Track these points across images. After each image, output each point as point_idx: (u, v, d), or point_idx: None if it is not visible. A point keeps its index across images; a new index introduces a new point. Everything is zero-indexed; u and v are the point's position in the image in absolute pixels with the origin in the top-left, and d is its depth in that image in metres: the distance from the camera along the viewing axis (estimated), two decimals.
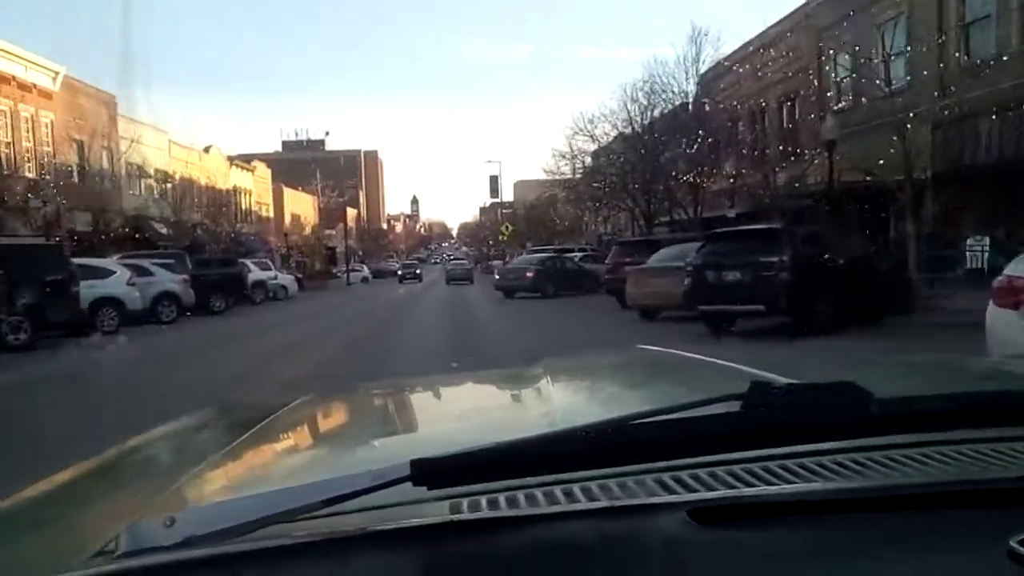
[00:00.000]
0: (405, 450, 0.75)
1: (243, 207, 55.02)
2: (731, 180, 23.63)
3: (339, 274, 54.31)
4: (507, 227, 55.69)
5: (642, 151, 27.63)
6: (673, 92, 28.56)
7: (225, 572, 0.64)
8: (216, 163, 48.26)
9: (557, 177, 39.62)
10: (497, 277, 29.61)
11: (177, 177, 42.52)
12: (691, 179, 26.67)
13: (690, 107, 27.47)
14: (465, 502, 0.76)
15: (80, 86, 34.13)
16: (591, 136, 32.97)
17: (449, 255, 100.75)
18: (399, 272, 59.72)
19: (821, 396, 0.79)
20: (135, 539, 0.68)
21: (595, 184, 32.66)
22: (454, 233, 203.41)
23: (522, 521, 0.72)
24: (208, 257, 27.17)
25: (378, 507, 0.73)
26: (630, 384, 1.79)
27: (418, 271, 59.42)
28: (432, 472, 0.68)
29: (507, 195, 74.97)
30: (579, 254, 32.63)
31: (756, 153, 23.64)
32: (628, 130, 31.21)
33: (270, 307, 27.30)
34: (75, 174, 32.79)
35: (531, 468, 0.72)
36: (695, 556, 0.64)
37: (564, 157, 35.46)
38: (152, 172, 40.12)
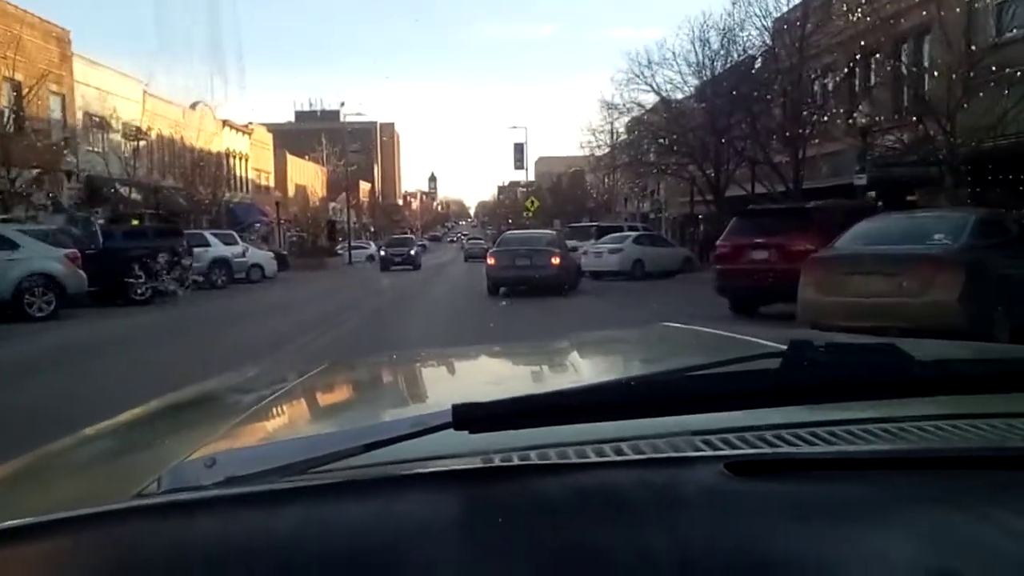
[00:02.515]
0: (442, 402, 0.71)
1: (238, 173, 48.78)
2: (861, 135, 16.63)
3: (341, 251, 47.64)
4: (532, 202, 48.88)
5: (733, 92, 20.63)
6: (763, 19, 21.61)
7: (265, 510, 0.64)
8: (204, 123, 41.47)
9: (599, 134, 32.55)
10: (491, 262, 18.03)
11: (153, 135, 36.11)
12: (792, 135, 19.78)
13: (793, 41, 20.38)
14: (502, 454, 0.76)
15: (15, 11, 27.43)
16: (650, 86, 25.94)
17: (466, 234, 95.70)
18: (381, 254, 39.27)
19: (862, 354, 0.79)
20: (177, 478, 0.69)
21: (661, 140, 25.62)
22: (471, 212, 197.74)
23: (562, 468, 0.73)
24: (138, 226, 20.48)
25: (420, 455, 0.73)
26: (660, 354, 1.74)
27: (413, 252, 38.15)
28: (474, 417, 0.68)
29: (529, 173, 68.29)
30: (630, 234, 25.88)
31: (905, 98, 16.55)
32: (695, 78, 24.39)
33: (227, 295, 20.60)
34: (10, 122, 26.14)
35: (573, 416, 0.72)
36: (730, 504, 0.64)
37: (615, 109, 28.34)
38: (119, 126, 33.29)
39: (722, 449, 0.76)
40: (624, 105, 27.55)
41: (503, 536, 0.61)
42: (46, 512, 0.65)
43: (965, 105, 14.03)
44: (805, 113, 19.75)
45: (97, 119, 32.23)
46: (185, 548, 0.61)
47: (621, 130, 32.84)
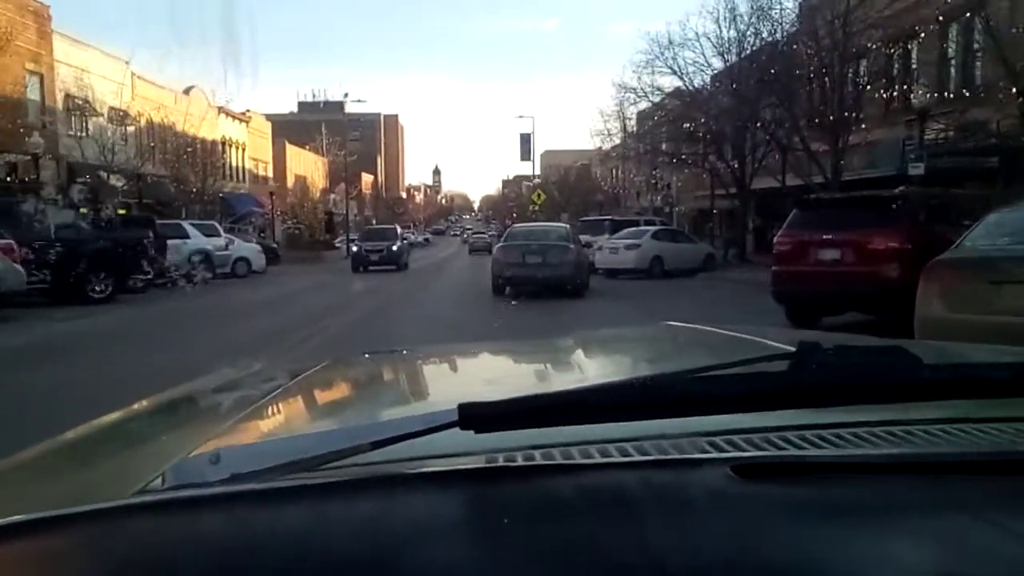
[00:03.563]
0: (449, 401, 0.70)
1: (234, 163, 46.87)
2: (919, 117, 14.59)
3: (339, 244, 45.68)
4: (539, 195, 46.76)
5: (771, 72, 18.57)
6: None
7: (271, 507, 0.64)
8: (196, 108, 39.46)
9: (611, 121, 30.49)
10: (498, 258, 15.98)
11: (142, 120, 34.17)
12: (836, 120, 17.73)
13: (835, 15, 18.31)
14: (508, 454, 0.75)
15: None
16: (672, 69, 23.84)
17: (470, 228, 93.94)
18: (354, 250, 31.14)
19: (870, 357, 0.79)
20: (180, 474, 0.68)
21: (686, 126, 23.53)
22: (476, 206, 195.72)
23: (568, 469, 0.72)
24: (99, 216, 18.50)
25: (426, 452, 0.72)
26: (663, 353, 1.72)
27: (396, 248, 29.01)
28: (480, 417, 0.67)
29: (535, 166, 66.22)
30: (648, 229, 23.86)
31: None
32: (720, 60, 22.36)
33: (202, 292, 18.46)
34: None
35: (579, 416, 0.71)
36: (736, 507, 0.64)
37: (633, 92, 26.19)
38: (104, 110, 31.19)
39: (728, 451, 0.75)
40: (641, 88, 25.51)
41: (509, 535, 0.60)
42: (48, 508, 0.63)
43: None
44: (850, 95, 17.71)
45: (79, 101, 30.27)
46: (189, 545, 0.60)
47: (633, 120, 30.83)
